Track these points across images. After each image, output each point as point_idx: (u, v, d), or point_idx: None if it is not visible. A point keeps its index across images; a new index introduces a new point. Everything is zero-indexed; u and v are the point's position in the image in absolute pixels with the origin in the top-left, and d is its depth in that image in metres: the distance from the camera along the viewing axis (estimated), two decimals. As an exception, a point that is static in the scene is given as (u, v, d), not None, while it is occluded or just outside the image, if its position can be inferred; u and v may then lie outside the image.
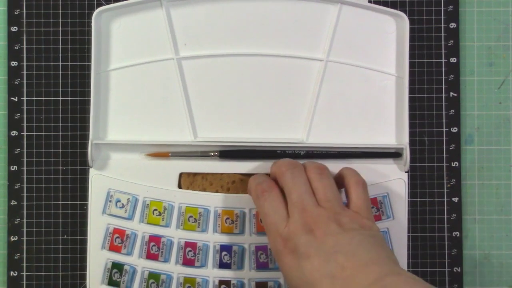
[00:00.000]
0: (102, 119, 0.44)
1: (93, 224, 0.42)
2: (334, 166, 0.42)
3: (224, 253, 0.42)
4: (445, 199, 0.47)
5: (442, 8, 0.48)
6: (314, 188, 0.38)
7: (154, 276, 0.41)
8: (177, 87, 0.44)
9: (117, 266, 0.41)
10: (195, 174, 0.44)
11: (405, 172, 0.44)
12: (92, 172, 0.44)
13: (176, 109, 0.44)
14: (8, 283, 0.46)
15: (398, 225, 0.43)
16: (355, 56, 0.45)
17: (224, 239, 0.42)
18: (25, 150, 0.47)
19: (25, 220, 0.47)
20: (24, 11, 0.47)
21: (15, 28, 0.47)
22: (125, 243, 0.42)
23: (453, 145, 0.48)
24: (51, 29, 0.47)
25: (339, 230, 0.35)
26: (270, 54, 0.44)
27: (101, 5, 0.48)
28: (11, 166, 0.47)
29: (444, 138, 0.48)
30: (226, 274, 0.42)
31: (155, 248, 0.42)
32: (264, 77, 0.45)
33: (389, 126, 0.45)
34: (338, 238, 0.35)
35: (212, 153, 0.44)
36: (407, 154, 0.44)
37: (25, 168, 0.47)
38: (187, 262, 0.42)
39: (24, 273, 0.46)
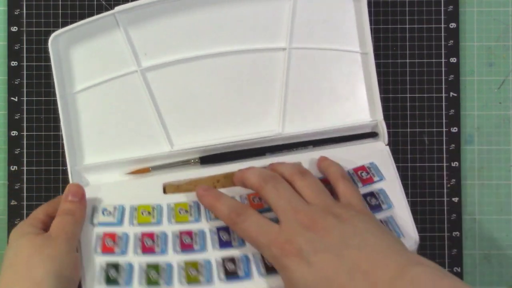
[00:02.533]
0: (76, 143, 0.43)
1: (82, 234, 0.40)
2: (315, 154, 0.42)
3: (222, 233, 0.40)
4: (445, 199, 0.47)
5: (442, 8, 0.48)
6: (299, 188, 0.38)
7: (153, 266, 0.39)
8: (145, 99, 0.43)
9: (113, 265, 0.39)
10: (179, 183, 0.43)
11: (386, 145, 0.44)
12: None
13: (148, 121, 0.44)
14: (8, 283, 0.46)
15: (391, 183, 0.41)
16: (318, 39, 0.44)
17: (220, 223, 0.40)
18: (25, 150, 0.47)
19: (25, 220, 0.47)
20: (24, 11, 0.47)
21: (15, 28, 0.47)
22: (117, 243, 0.40)
23: (453, 145, 0.48)
24: (51, 29, 0.47)
25: (338, 221, 0.35)
26: (232, 51, 0.44)
27: (101, 5, 0.48)
28: (11, 166, 0.47)
29: (444, 138, 0.48)
30: (228, 252, 0.39)
31: (149, 241, 0.40)
32: (231, 75, 0.44)
33: (362, 104, 0.45)
34: (341, 230, 0.34)
35: (192, 161, 0.43)
36: (383, 128, 0.43)
37: (25, 168, 0.47)
38: (185, 247, 0.40)
39: (24, 273, 0.46)
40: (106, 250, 0.40)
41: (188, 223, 0.41)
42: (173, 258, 0.39)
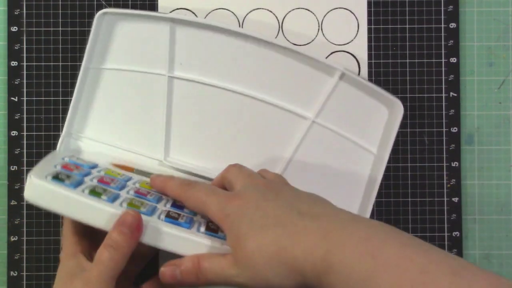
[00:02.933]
0: (80, 114, 0.44)
1: (48, 159, 0.40)
2: None
3: (173, 208, 0.39)
4: (445, 199, 0.47)
5: (442, 8, 0.48)
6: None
7: (102, 188, 0.38)
8: (162, 103, 0.44)
9: (65, 174, 0.37)
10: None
11: None
12: (53, 153, 0.42)
13: (155, 125, 0.44)
14: (8, 283, 0.46)
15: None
16: (342, 125, 0.44)
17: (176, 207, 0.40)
18: (25, 150, 0.47)
19: (25, 220, 0.47)
20: (24, 11, 0.47)
21: (15, 28, 0.47)
22: (78, 170, 0.39)
23: (453, 145, 0.48)
24: (51, 29, 0.47)
25: (265, 181, 0.36)
26: (261, 98, 0.44)
27: (101, 5, 0.48)
28: (11, 166, 0.47)
29: (444, 138, 0.48)
30: (177, 210, 0.38)
31: (108, 179, 0.39)
32: (250, 118, 0.44)
33: (354, 203, 0.44)
34: (292, 190, 0.36)
35: None
36: None
37: (25, 168, 0.47)
38: (140, 194, 0.39)
39: (24, 273, 0.46)
40: (66, 168, 0.39)
41: (150, 190, 0.40)
42: (124, 194, 0.39)
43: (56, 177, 0.37)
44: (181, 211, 0.38)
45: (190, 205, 0.37)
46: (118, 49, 0.44)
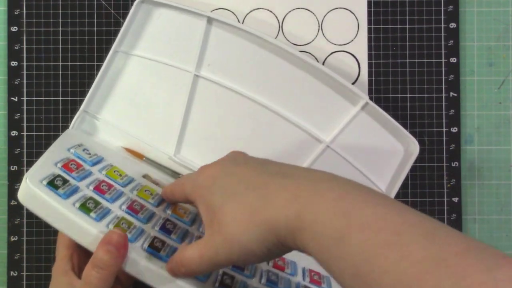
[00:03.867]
0: (100, 94, 0.44)
1: (53, 149, 0.40)
2: None
3: (168, 222, 0.39)
4: (445, 199, 0.47)
5: (442, 8, 0.48)
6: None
7: (94, 200, 0.37)
8: (183, 99, 0.43)
9: (63, 179, 0.38)
10: (158, 183, 0.43)
11: None
12: (68, 131, 0.43)
13: (172, 119, 0.44)
14: (8, 283, 0.46)
15: None
16: (354, 154, 0.44)
17: (173, 218, 0.40)
18: (25, 150, 0.47)
19: (25, 220, 0.47)
20: (24, 11, 0.47)
21: (15, 28, 0.47)
22: (79, 171, 0.39)
23: (453, 145, 0.48)
24: (51, 29, 0.47)
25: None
26: (280, 113, 0.43)
27: (101, 5, 0.48)
28: (11, 166, 0.47)
29: (444, 138, 0.48)
30: (163, 236, 0.38)
31: (105, 187, 0.39)
32: (265, 130, 0.44)
33: None
34: (260, 161, 0.35)
35: (181, 176, 0.43)
36: None
37: (25, 167, 0.47)
38: (132, 210, 0.39)
39: (24, 273, 0.46)
40: (67, 168, 0.39)
41: (147, 201, 0.40)
42: (117, 210, 0.38)
43: (51, 183, 0.37)
44: (167, 237, 0.38)
45: (178, 198, 0.37)
46: (150, 38, 0.44)
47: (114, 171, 0.41)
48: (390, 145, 0.44)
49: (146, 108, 0.44)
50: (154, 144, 0.44)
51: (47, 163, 0.39)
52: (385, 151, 0.44)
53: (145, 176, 0.43)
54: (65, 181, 0.38)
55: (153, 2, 0.43)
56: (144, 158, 0.44)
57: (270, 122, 0.44)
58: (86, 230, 0.35)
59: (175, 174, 0.44)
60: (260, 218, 0.30)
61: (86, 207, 0.37)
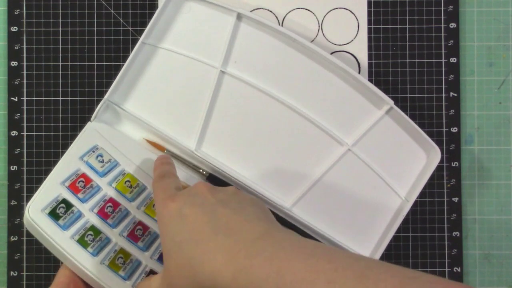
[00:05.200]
0: (125, 85, 0.43)
1: (65, 161, 0.41)
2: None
3: (158, 262, 0.40)
4: (445, 199, 0.47)
5: (442, 8, 0.48)
6: None
7: (94, 230, 0.39)
8: (207, 95, 0.43)
9: (67, 204, 0.39)
10: None
11: None
12: (89, 125, 0.43)
13: (195, 114, 0.43)
14: (8, 283, 0.46)
15: None
16: (376, 160, 0.43)
17: None
18: (25, 150, 0.47)
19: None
20: (24, 11, 0.47)
21: (15, 28, 0.47)
22: (86, 189, 0.40)
23: (453, 145, 0.48)
24: (51, 29, 0.47)
25: (233, 191, 0.36)
26: (304, 113, 0.43)
27: (101, 5, 0.48)
28: (11, 166, 0.47)
29: (444, 138, 0.48)
30: (160, 268, 0.40)
31: (110, 209, 0.40)
32: (288, 130, 0.44)
33: (369, 242, 0.43)
34: (224, 196, 0.35)
35: (202, 171, 0.43)
36: None
37: (25, 168, 0.47)
38: (132, 237, 0.40)
39: (24, 273, 0.46)
40: (73, 188, 0.40)
41: (152, 220, 0.41)
42: (116, 237, 0.40)
43: (53, 212, 0.39)
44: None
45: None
46: (178, 32, 0.43)
47: (126, 182, 0.42)
48: (412, 151, 0.44)
49: (170, 102, 0.44)
50: (175, 138, 0.43)
51: (55, 182, 0.40)
52: (407, 157, 0.44)
53: None
54: (68, 207, 0.39)
55: None
56: (165, 151, 0.44)
57: (292, 122, 0.43)
58: (81, 265, 0.38)
59: (196, 168, 0.44)
60: (199, 276, 0.31)
61: (84, 240, 0.38)
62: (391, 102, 0.42)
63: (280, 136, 0.43)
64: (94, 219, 0.40)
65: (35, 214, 0.38)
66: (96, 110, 0.42)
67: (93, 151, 0.42)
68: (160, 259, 0.39)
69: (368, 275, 0.27)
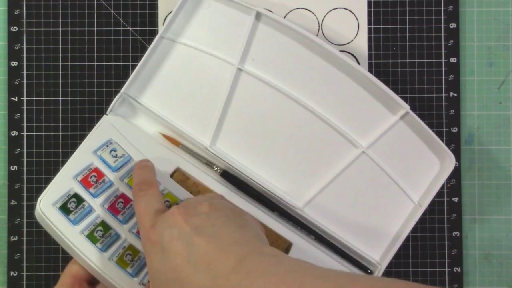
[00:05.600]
0: (142, 79, 0.43)
1: (78, 155, 0.41)
2: (310, 246, 0.42)
3: None
4: (445, 199, 0.47)
5: (442, 8, 0.48)
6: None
7: (104, 225, 0.39)
8: (223, 91, 0.43)
9: (78, 198, 0.39)
10: (188, 177, 0.43)
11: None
12: (104, 118, 0.43)
13: (211, 110, 0.43)
14: (8, 283, 0.46)
15: None
16: (389, 163, 0.43)
17: None
18: (25, 150, 0.47)
19: (25, 220, 0.47)
20: (24, 11, 0.47)
21: (15, 28, 0.47)
22: (97, 184, 0.40)
23: (453, 145, 0.48)
24: (51, 29, 0.47)
25: (206, 211, 0.35)
26: (320, 114, 0.43)
27: (101, 5, 0.48)
28: (11, 166, 0.47)
29: (444, 138, 0.48)
30: None
31: (121, 204, 0.40)
32: (303, 130, 0.43)
33: (379, 245, 0.43)
34: (203, 219, 0.34)
35: (215, 167, 0.43)
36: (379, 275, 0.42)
37: (25, 168, 0.47)
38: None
39: (24, 273, 0.46)
40: (85, 182, 0.40)
41: None
42: (125, 233, 0.40)
43: (64, 207, 0.39)
44: None
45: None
46: (197, 27, 0.43)
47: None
48: (426, 157, 0.43)
49: (186, 97, 0.44)
50: (190, 134, 0.43)
51: (67, 176, 0.40)
52: (421, 162, 0.43)
53: (175, 171, 0.43)
54: (79, 202, 0.39)
55: None
56: (180, 146, 0.43)
57: (308, 122, 0.43)
58: (90, 261, 0.38)
59: (210, 164, 0.44)
60: None
61: (93, 236, 0.39)
62: (407, 107, 0.42)
63: (294, 136, 0.43)
64: (104, 215, 0.40)
65: (46, 208, 0.39)
66: (112, 103, 0.42)
67: (107, 146, 0.42)
68: None
69: None
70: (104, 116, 0.43)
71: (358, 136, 0.43)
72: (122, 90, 0.42)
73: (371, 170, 0.43)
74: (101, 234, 0.39)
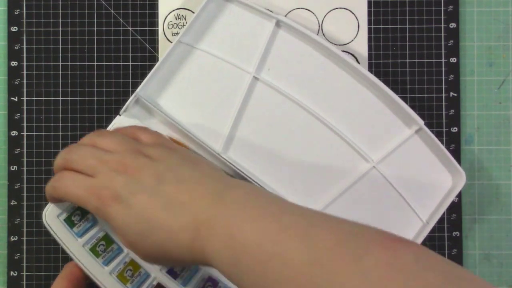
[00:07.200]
0: (156, 82, 0.43)
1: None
2: None
3: (167, 275, 0.39)
4: (445, 199, 0.47)
5: (442, 8, 0.48)
6: (103, 146, 0.36)
7: (106, 240, 0.40)
8: (238, 99, 0.43)
9: (82, 211, 0.40)
10: None
11: None
12: (118, 119, 0.42)
13: (224, 117, 0.43)
14: (8, 283, 0.46)
15: None
16: (399, 179, 0.43)
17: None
18: (25, 150, 0.47)
19: (25, 220, 0.47)
20: (24, 11, 0.47)
21: (15, 28, 0.47)
22: None
23: (453, 145, 0.48)
24: (51, 29, 0.47)
25: (150, 160, 0.34)
26: (334, 128, 0.43)
27: (101, 5, 0.48)
28: (11, 166, 0.47)
29: (444, 138, 0.48)
30: (169, 281, 0.39)
31: None
32: (315, 142, 0.43)
33: None
34: (154, 168, 0.34)
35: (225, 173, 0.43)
36: None
37: (25, 168, 0.47)
38: (169, 272, 0.40)
39: (24, 273, 0.46)
40: None
41: None
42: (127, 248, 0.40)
43: (68, 219, 0.40)
44: (173, 280, 0.39)
45: (64, 198, 0.37)
46: (216, 34, 0.43)
47: None
48: (437, 172, 0.43)
49: (199, 102, 0.44)
50: (202, 139, 0.43)
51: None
52: (432, 179, 0.43)
53: None
54: (83, 215, 0.40)
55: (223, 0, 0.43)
56: (188, 150, 0.43)
57: (320, 134, 0.43)
58: (91, 275, 0.39)
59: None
60: (167, 253, 0.33)
61: (95, 250, 0.39)
62: (421, 122, 0.42)
63: (306, 147, 0.43)
64: (107, 228, 0.40)
65: (51, 220, 0.39)
66: (127, 103, 0.42)
67: None
68: (170, 272, 0.40)
69: (310, 233, 0.28)
70: (117, 116, 0.43)
71: (370, 150, 0.43)
72: (137, 91, 0.42)
73: (381, 185, 0.43)
74: (103, 249, 0.39)
